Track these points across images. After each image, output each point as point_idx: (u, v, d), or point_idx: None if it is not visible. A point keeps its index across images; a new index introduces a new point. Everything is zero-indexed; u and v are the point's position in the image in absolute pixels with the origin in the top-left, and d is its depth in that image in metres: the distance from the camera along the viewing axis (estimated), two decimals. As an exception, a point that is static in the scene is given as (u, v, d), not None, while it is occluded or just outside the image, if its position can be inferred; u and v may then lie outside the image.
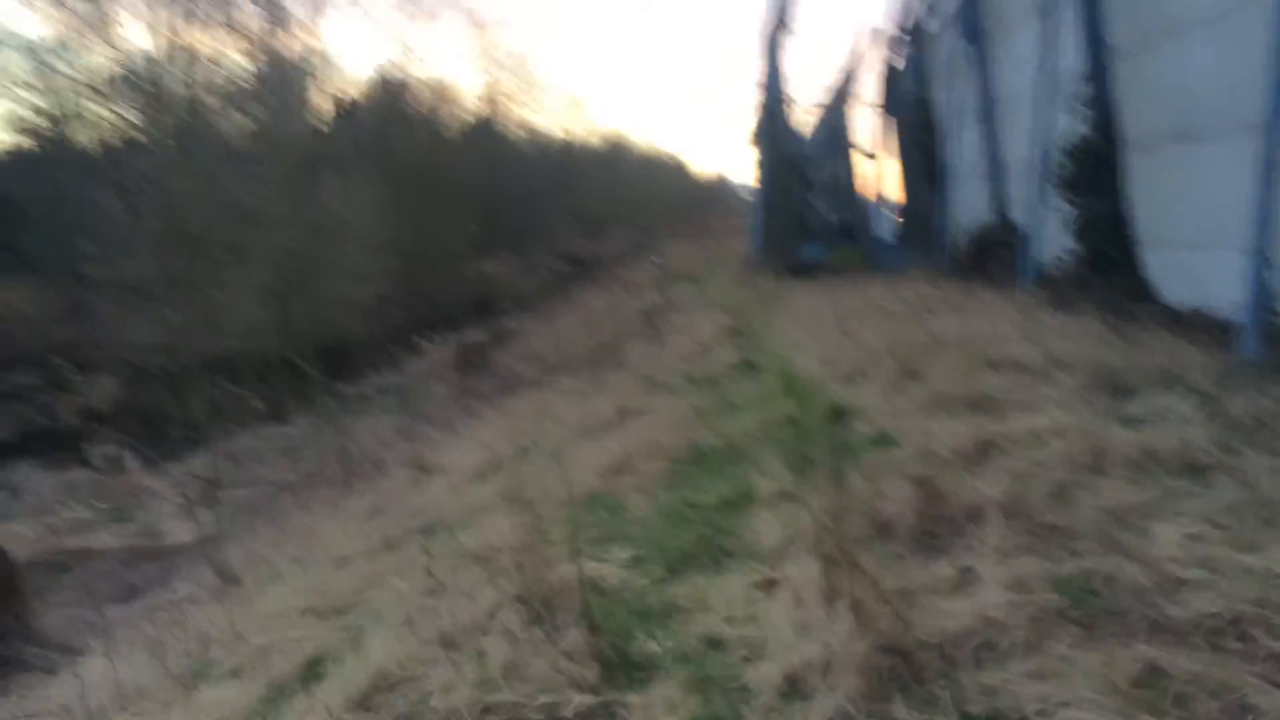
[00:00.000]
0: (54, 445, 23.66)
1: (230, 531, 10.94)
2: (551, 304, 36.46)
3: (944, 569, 3.90)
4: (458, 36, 51.40)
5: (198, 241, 29.83)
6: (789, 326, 12.57)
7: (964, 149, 18.07)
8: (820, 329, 11.59)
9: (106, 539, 15.88)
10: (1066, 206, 12.29)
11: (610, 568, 4.48)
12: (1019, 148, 15.61)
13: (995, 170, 16.82)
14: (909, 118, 22.83)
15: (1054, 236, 12.72)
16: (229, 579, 7.92)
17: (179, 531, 17.01)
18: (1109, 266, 11.34)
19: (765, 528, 4.70)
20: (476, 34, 47.20)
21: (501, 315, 38.95)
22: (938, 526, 4.37)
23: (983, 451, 5.51)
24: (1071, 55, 12.18)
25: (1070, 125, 12.17)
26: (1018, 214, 16.01)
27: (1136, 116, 11.24)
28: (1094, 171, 11.69)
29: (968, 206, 18.16)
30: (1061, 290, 11.74)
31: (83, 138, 32.83)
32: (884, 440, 6.15)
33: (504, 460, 7.90)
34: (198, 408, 26.97)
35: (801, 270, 21.95)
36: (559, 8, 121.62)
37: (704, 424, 7.23)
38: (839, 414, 7.09)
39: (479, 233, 48.21)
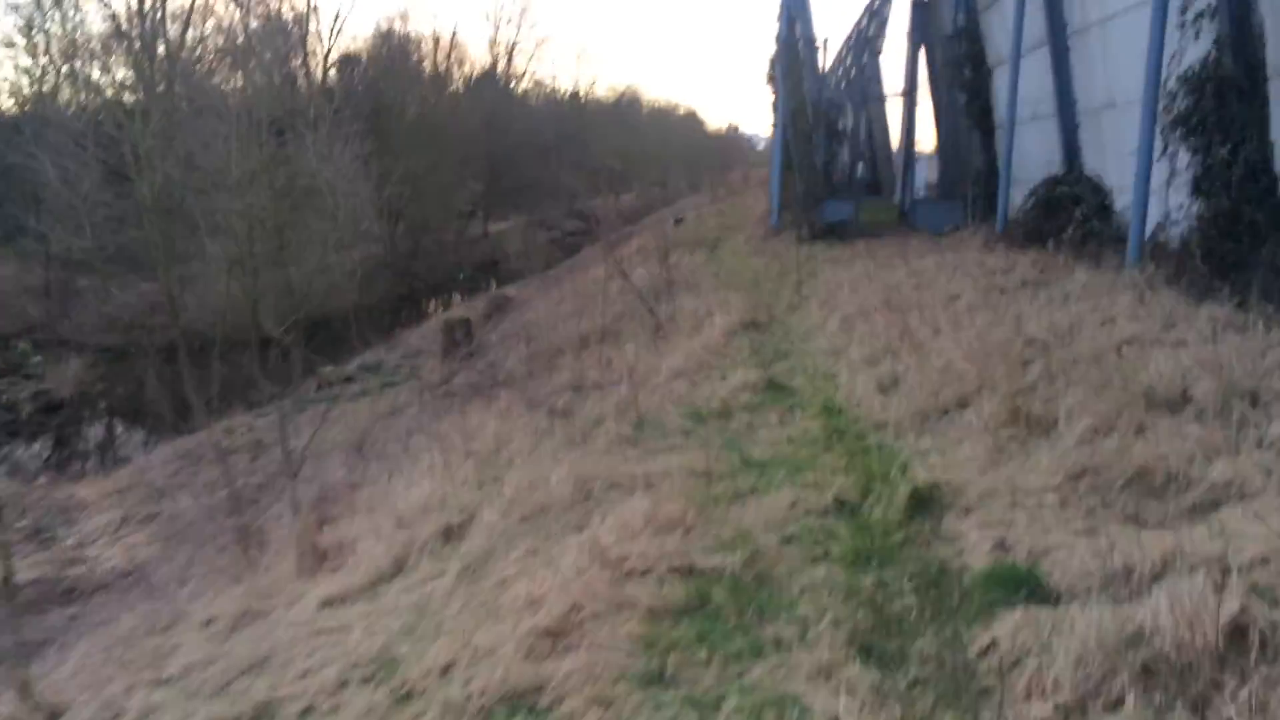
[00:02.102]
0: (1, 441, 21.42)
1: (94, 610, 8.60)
2: (557, 269, 33.72)
3: None
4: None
5: (165, 210, 27.34)
6: (823, 316, 9.86)
7: (1022, 86, 15.07)
8: (865, 321, 8.89)
9: (23, 568, 13.58)
10: (1183, 154, 9.47)
11: None
12: (1102, 81, 12.69)
13: (1066, 110, 13.89)
14: (949, 52, 19.73)
15: (1163, 193, 9.90)
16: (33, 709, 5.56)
17: (109, 557, 14.69)
18: (1249, 233, 8.56)
19: None
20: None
21: (504, 280, 36.37)
22: None
23: (1239, 639, 2.87)
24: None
25: (1189, 49, 9.31)
26: (1096, 163, 13.15)
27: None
28: (1226, 108, 8.86)
29: (1027, 155, 15.24)
30: (1181, 265, 8.99)
31: (61, 100, 30.37)
32: (1020, 579, 3.51)
33: (417, 551, 5.34)
34: (163, 395, 24.62)
35: (827, 231, 19.28)
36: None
37: (708, 513, 4.61)
38: (922, 501, 4.45)
39: (483, 191, 45.45)
